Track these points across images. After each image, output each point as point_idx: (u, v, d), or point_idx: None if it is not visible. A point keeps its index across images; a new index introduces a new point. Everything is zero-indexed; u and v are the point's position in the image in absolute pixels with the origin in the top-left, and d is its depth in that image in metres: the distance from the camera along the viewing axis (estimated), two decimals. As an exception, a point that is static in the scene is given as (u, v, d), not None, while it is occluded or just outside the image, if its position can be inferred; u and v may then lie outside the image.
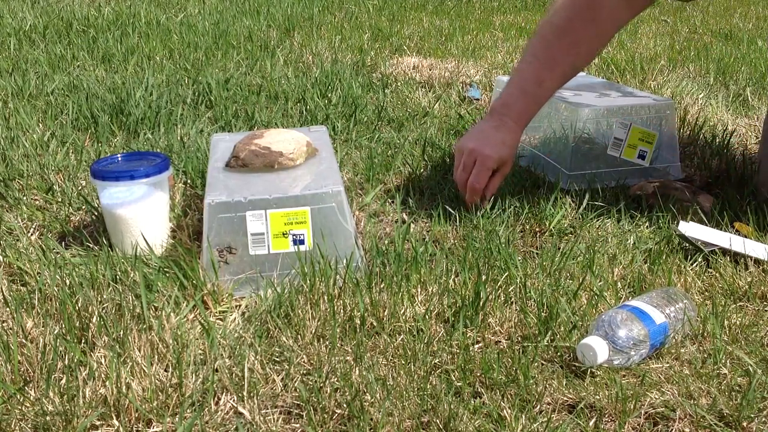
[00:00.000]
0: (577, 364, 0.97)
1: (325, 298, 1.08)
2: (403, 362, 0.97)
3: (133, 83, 2.12)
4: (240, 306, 1.13)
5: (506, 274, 1.15)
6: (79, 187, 1.50)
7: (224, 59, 2.46)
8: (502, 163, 1.37)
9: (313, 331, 1.03)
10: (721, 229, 1.29)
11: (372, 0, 3.60)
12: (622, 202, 1.41)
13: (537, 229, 1.35)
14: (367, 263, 1.20)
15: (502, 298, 1.10)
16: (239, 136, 1.35)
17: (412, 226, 1.34)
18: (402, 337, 1.02)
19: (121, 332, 1.01)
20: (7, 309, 1.10)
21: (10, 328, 1.04)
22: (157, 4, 3.40)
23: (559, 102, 1.57)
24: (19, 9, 3.16)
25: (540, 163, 1.61)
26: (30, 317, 1.07)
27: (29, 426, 0.87)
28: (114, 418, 0.88)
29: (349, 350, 1.00)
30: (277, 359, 0.98)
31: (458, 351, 0.99)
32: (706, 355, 1.00)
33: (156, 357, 0.98)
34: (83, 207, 1.42)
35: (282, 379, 0.94)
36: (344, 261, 1.15)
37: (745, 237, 1.26)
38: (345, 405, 0.89)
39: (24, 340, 1.00)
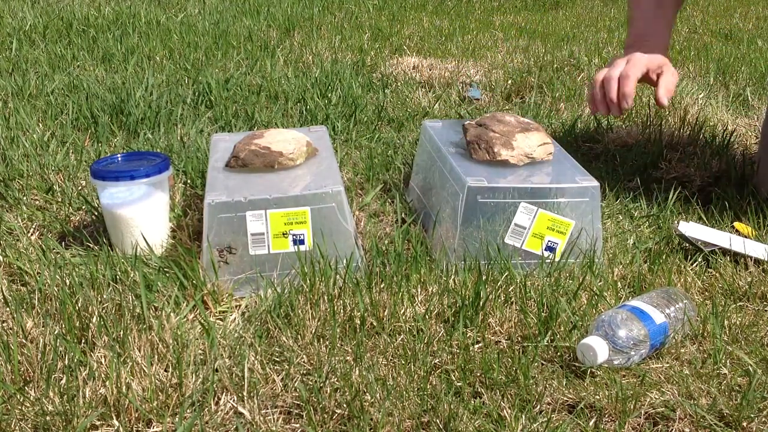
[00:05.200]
0: (577, 364, 0.97)
1: (325, 298, 1.08)
2: (403, 362, 0.97)
3: (133, 83, 2.12)
4: (240, 306, 1.13)
5: (506, 274, 1.15)
6: (79, 187, 1.50)
7: (224, 59, 2.46)
8: (657, 62, 1.37)
9: (313, 331, 1.03)
10: (721, 229, 1.29)
11: (372, 0, 3.60)
12: (622, 202, 1.41)
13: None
14: (367, 263, 1.20)
15: (502, 298, 1.10)
16: (239, 136, 1.35)
17: (412, 226, 1.34)
18: (402, 337, 1.02)
19: (121, 332, 1.01)
20: (7, 309, 1.10)
21: (10, 328, 1.04)
22: (157, 4, 3.40)
23: (450, 166, 1.27)
24: (19, 9, 3.16)
25: (430, 221, 1.32)
26: (30, 317, 1.07)
27: (29, 426, 0.87)
28: (114, 418, 0.88)
29: (349, 350, 1.00)
30: (277, 359, 0.98)
31: (458, 351, 0.99)
32: (706, 355, 1.00)
33: (156, 357, 0.98)
34: (83, 207, 1.42)
35: (282, 379, 0.94)
36: (344, 261, 1.15)
37: (745, 237, 1.26)
38: (345, 405, 0.89)
39: (24, 340, 1.01)
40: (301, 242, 1.15)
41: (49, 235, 1.33)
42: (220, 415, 0.89)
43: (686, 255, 1.25)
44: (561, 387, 0.93)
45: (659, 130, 1.78)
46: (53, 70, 2.32)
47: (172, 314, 1.06)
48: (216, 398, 0.92)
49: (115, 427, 0.88)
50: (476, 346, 1.02)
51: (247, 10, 3.28)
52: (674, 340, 1.01)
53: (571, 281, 1.16)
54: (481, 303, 1.07)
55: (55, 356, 0.97)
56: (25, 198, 1.45)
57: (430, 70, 2.39)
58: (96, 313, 1.05)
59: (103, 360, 0.96)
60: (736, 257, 1.22)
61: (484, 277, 1.13)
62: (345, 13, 3.34)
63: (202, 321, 1.06)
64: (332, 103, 2.00)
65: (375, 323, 1.05)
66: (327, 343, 1.01)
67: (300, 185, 1.17)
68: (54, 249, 1.27)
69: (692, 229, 1.26)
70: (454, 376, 0.95)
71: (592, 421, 0.89)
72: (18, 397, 0.90)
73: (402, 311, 1.06)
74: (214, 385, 0.93)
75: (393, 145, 1.74)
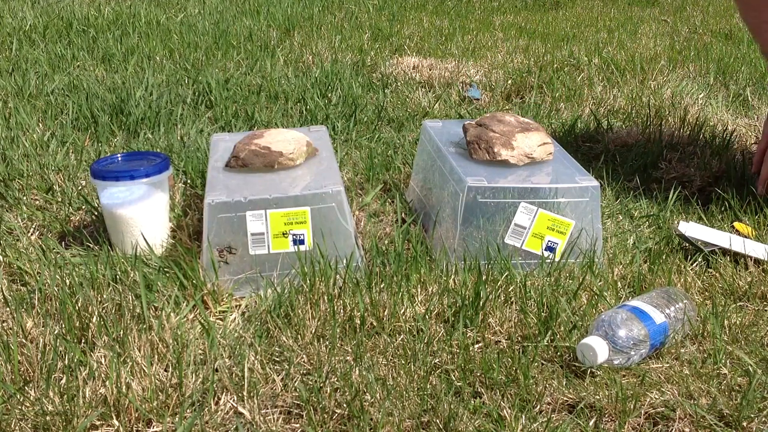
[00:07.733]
0: (577, 364, 0.97)
1: (325, 298, 1.08)
2: (403, 362, 0.97)
3: (133, 83, 2.12)
4: (240, 306, 1.13)
5: (506, 274, 1.15)
6: (79, 187, 1.50)
7: (224, 59, 2.46)
8: None
9: (313, 331, 1.03)
10: (721, 229, 1.29)
11: (372, 0, 3.60)
12: (622, 202, 1.41)
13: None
14: (367, 263, 1.20)
15: (502, 298, 1.10)
16: (239, 136, 1.35)
17: (412, 226, 1.34)
18: (402, 337, 1.02)
19: (121, 332, 1.01)
20: (7, 309, 1.10)
21: (10, 328, 1.04)
22: (157, 4, 3.40)
23: (450, 166, 1.27)
24: (19, 9, 3.16)
25: (430, 221, 1.32)
26: (30, 317, 1.07)
27: (29, 426, 0.87)
28: (114, 418, 0.88)
29: (349, 350, 1.00)
30: (277, 359, 0.98)
31: (458, 351, 0.99)
32: (706, 355, 1.00)
33: (156, 357, 0.98)
34: (83, 207, 1.42)
35: (282, 379, 0.94)
36: (344, 261, 1.15)
37: (745, 237, 1.26)
38: (345, 405, 0.89)
39: (24, 340, 1.01)
40: (301, 242, 1.15)
41: (49, 235, 1.33)
42: (220, 415, 0.89)
43: (686, 255, 1.25)
44: (561, 387, 0.93)
45: (659, 130, 1.78)
46: (53, 70, 2.32)
47: (172, 314, 1.06)
48: (216, 398, 0.92)
49: (115, 427, 0.88)
50: (476, 346, 1.02)
51: (247, 10, 3.28)
52: (674, 340, 1.01)
53: (571, 281, 1.16)
54: (481, 303, 1.07)
55: (55, 356, 0.97)
56: (25, 198, 1.45)
57: (430, 70, 2.39)
58: (96, 313, 1.05)
59: (103, 360, 0.96)
60: (736, 257, 1.22)
61: (484, 277, 1.13)
62: (345, 13, 3.34)
63: (202, 321, 1.06)
64: (332, 103, 2.00)
65: (375, 323, 1.05)
66: (327, 343, 1.01)
67: (300, 185, 1.17)
68: (54, 249, 1.27)
69: (692, 229, 1.26)
70: (454, 376, 0.95)
71: (592, 421, 0.89)
72: (18, 397, 0.90)
73: (402, 311, 1.06)
74: (214, 385, 0.93)
75: (393, 145, 1.74)
